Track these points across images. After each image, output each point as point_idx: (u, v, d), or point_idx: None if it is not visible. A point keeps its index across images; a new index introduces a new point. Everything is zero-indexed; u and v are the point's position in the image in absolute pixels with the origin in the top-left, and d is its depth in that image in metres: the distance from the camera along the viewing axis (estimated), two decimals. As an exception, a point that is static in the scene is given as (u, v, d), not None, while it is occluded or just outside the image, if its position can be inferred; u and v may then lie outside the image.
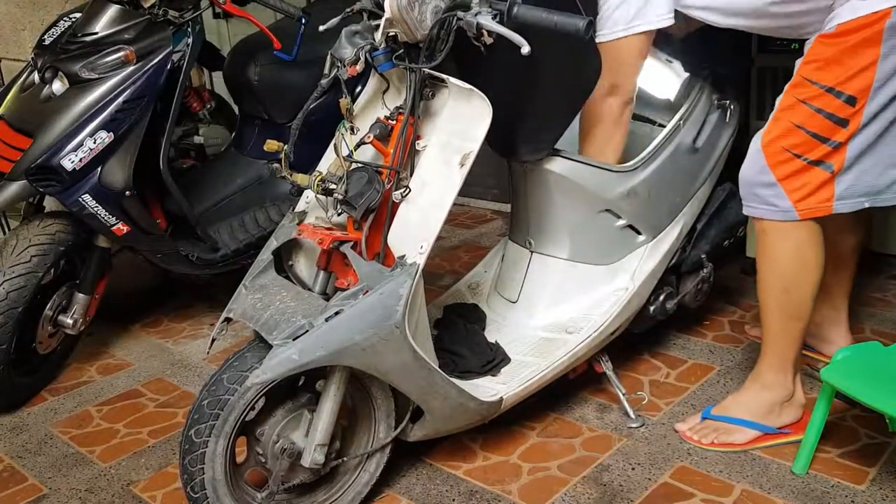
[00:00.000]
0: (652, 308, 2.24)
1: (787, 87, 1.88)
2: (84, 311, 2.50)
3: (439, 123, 1.75)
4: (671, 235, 2.23)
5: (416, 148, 1.78)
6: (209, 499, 1.68)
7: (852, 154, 1.82)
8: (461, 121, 1.72)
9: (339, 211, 1.75)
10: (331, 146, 1.86)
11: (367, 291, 1.65)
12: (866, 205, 1.88)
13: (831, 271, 2.08)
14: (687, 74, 2.38)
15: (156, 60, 2.38)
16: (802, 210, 1.86)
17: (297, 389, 1.80)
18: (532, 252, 2.18)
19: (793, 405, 2.01)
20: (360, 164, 1.73)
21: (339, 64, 1.72)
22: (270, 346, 1.63)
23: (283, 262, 1.94)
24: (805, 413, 2.01)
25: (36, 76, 2.41)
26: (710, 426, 2.02)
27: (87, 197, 2.31)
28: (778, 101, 1.89)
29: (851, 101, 1.78)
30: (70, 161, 2.27)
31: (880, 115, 1.79)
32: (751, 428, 1.99)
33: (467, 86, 1.69)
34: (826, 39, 1.80)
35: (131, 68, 2.34)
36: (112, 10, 2.39)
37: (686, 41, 2.33)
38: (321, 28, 1.89)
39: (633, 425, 2.11)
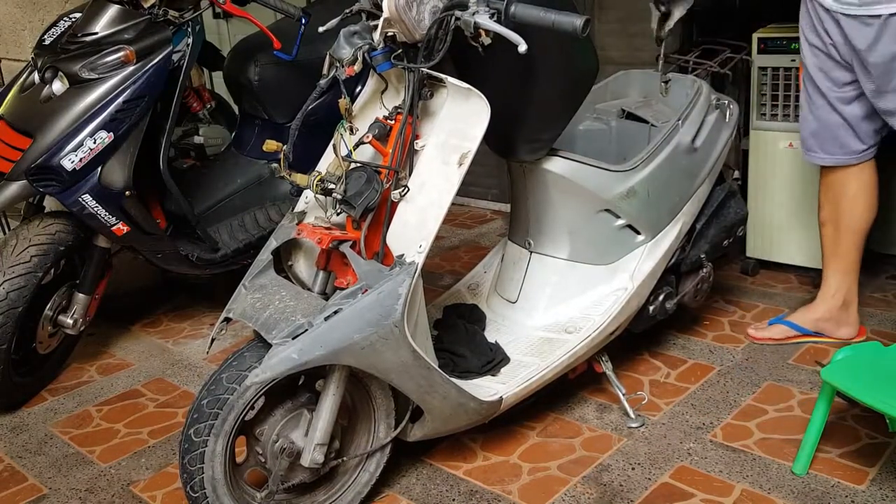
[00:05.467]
0: (651, 308, 2.24)
1: None
2: (84, 311, 2.50)
3: (438, 123, 1.75)
4: (670, 235, 2.23)
5: (415, 147, 1.78)
6: (209, 498, 1.68)
7: None
8: (459, 120, 1.72)
9: (339, 210, 1.75)
10: (330, 146, 1.86)
11: (366, 290, 1.65)
12: None
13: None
14: (686, 78, 2.39)
15: (156, 60, 2.38)
16: None
17: (296, 389, 1.80)
18: (531, 252, 2.18)
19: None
20: (358, 164, 1.73)
21: (338, 64, 1.72)
22: (270, 346, 1.63)
23: (282, 261, 1.94)
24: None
25: (36, 76, 2.41)
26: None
27: (87, 197, 2.31)
28: None
29: None
30: (70, 161, 2.27)
31: None
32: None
33: (465, 85, 1.69)
34: None
35: (131, 68, 2.34)
36: (112, 10, 2.39)
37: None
38: (321, 29, 1.89)
39: (633, 425, 2.11)
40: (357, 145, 1.78)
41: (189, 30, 2.49)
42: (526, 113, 1.92)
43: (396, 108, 1.76)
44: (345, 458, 1.82)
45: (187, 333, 2.86)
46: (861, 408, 2.02)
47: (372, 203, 1.70)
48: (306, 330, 1.61)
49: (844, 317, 2.39)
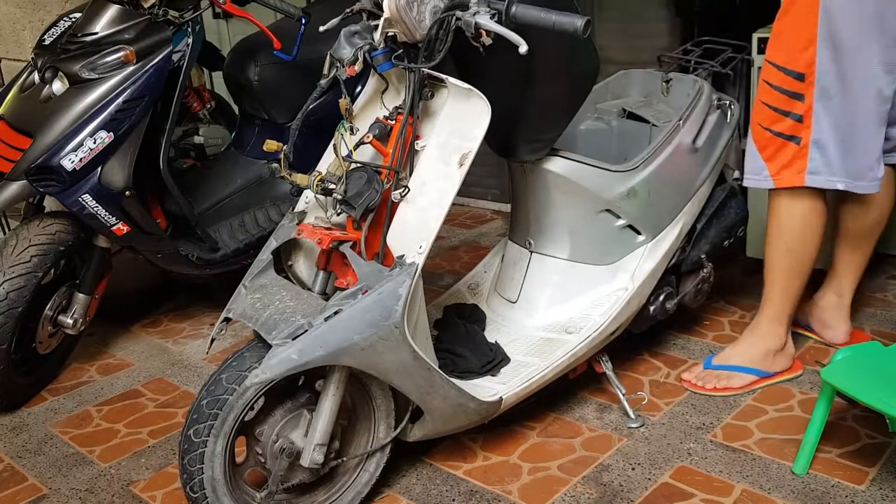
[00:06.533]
0: (652, 308, 2.24)
1: None
2: (84, 311, 2.50)
3: (438, 123, 1.75)
4: (671, 235, 2.23)
5: (416, 148, 1.78)
6: (208, 498, 1.68)
7: (819, 129, 1.97)
8: (460, 120, 1.72)
9: (339, 211, 1.75)
10: (330, 146, 1.86)
11: (366, 291, 1.65)
12: (840, 186, 2.01)
13: (845, 250, 2.26)
14: (687, 78, 2.39)
15: (156, 60, 2.38)
16: (778, 180, 2.05)
17: (296, 389, 1.80)
18: (532, 252, 2.18)
19: (784, 355, 2.22)
20: (359, 164, 1.73)
21: (339, 64, 1.72)
22: (270, 346, 1.63)
23: (282, 262, 1.94)
24: (795, 361, 2.25)
25: (36, 76, 2.41)
26: (712, 374, 2.23)
27: (87, 197, 2.31)
28: None
29: (800, 76, 1.96)
30: (70, 161, 2.27)
31: (832, 89, 1.93)
32: (748, 373, 2.20)
33: (466, 85, 1.69)
34: (777, 19, 1.99)
35: (131, 68, 2.34)
36: (112, 10, 2.39)
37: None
38: (321, 28, 1.89)
39: (633, 425, 2.11)
40: (357, 145, 1.78)
41: (189, 30, 2.49)
42: (527, 113, 1.92)
43: (397, 108, 1.76)
44: (345, 459, 1.82)
45: (187, 333, 2.86)
46: (861, 408, 2.02)
47: (372, 203, 1.70)
48: (306, 330, 1.61)
49: (832, 320, 2.37)
